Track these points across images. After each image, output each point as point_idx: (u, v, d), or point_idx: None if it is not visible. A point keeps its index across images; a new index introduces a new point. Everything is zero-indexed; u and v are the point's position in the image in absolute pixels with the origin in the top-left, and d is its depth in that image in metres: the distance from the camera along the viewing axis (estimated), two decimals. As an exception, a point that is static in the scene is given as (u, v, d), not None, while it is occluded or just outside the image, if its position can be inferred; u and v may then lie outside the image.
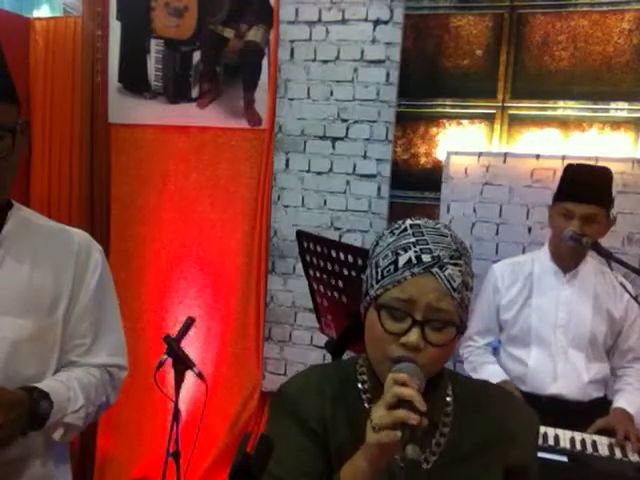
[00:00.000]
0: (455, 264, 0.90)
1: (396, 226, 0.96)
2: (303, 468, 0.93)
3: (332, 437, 0.95)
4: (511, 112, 2.60)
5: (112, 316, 1.32)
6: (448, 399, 0.98)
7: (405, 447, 0.78)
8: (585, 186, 1.91)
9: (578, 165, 2.01)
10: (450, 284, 0.89)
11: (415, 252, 0.90)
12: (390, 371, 0.87)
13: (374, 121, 2.76)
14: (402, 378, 0.83)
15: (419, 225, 0.94)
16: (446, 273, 0.89)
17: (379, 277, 0.92)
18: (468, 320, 0.94)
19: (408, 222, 0.95)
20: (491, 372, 2.02)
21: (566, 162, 2.43)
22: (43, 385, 1.13)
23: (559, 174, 2.04)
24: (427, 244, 0.90)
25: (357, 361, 1.03)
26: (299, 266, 2.65)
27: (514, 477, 0.96)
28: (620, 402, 1.92)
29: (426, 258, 0.89)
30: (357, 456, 0.86)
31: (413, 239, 0.91)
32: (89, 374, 1.24)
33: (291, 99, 2.86)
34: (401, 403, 0.81)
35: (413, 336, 0.87)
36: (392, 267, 0.91)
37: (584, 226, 1.89)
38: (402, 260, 0.90)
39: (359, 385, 0.99)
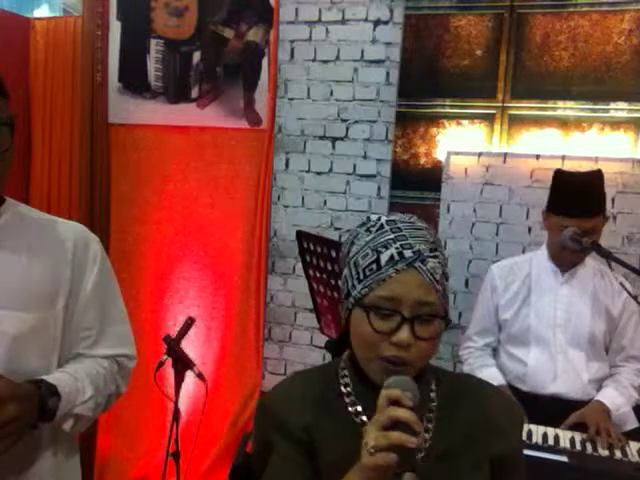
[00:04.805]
0: (434, 256, 0.91)
1: (371, 223, 0.96)
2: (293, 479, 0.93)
3: (318, 444, 0.94)
4: (511, 112, 2.59)
5: (116, 306, 1.32)
6: (432, 394, 0.98)
7: (402, 475, 0.76)
8: (582, 200, 1.90)
9: (571, 175, 1.98)
10: (433, 277, 0.89)
11: (396, 248, 0.90)
12: (382, 384, 0.86)
13: (374, 121, 2.76)
14: (396, 395, 0.82)
15: (395, 221, 0.94)
16: (428, 266, 0.89)
17: (361, 276, 0.92)
18: (449, 306, 0.95)
19: (383, 219, 0.95)
20: (488, 376, 2.01)
21: (566, 162, 2.43)
22: (50, 377, 1.13)
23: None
24: (406, 239, 0.91)
25: (339, 364, 1.02)
26: (299, 266, 2.65)
27: (501, 469, 0.96)
28: (600, 396, 1.93)
29: (408, 254, 0.89)
30: (352, 475, 0.83)
31: (392, 235, 0.92)
32: (97, 365, 1.23)
33: (291, 99, 2.86)
34: (396, 424, 0.79)
35: (404, 334, 0.87)
36: (374, 265, 0.90)
37: (584, 237, 1.89)
38: (384, 258, 0.90)
39: (342, 388, 0.98)
